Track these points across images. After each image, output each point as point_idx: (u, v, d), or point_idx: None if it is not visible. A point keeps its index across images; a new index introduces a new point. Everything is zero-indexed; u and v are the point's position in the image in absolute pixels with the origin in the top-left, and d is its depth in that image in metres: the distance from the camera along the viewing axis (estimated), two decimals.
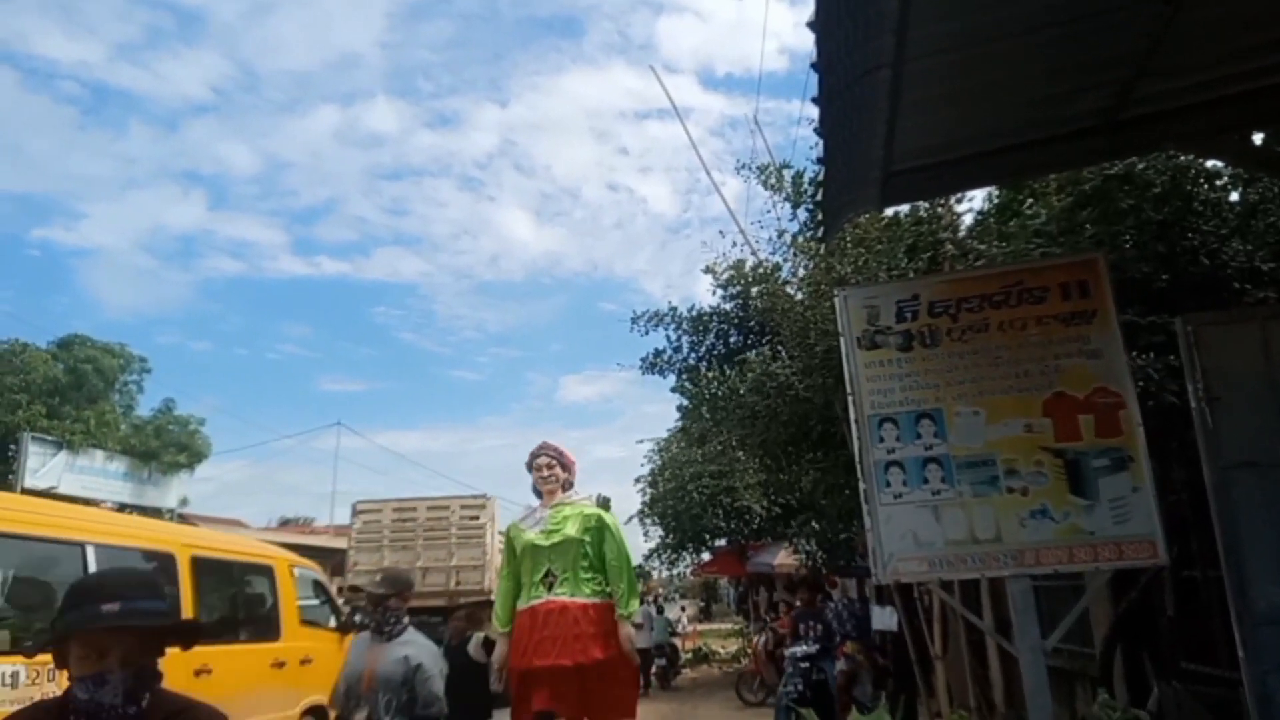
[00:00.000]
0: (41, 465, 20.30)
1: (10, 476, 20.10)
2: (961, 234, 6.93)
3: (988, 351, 4.86)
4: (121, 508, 23.74)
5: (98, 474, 22.13)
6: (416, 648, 4.34)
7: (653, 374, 9.42)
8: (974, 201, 7.11)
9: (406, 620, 4.47)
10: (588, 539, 4.64)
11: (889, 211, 6.90)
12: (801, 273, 7.71)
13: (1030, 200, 6.34)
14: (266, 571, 7.75)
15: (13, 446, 20.44)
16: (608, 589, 4.62)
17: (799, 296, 7.52)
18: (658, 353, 9.33)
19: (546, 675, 4.39)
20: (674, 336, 9.22)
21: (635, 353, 9.25)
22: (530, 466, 4.92)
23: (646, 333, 9.21)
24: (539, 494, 4.88)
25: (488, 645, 5.50)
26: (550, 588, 4.56)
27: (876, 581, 4.89)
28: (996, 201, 6.99)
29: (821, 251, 6.88)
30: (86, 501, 22.71)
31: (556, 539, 4.62)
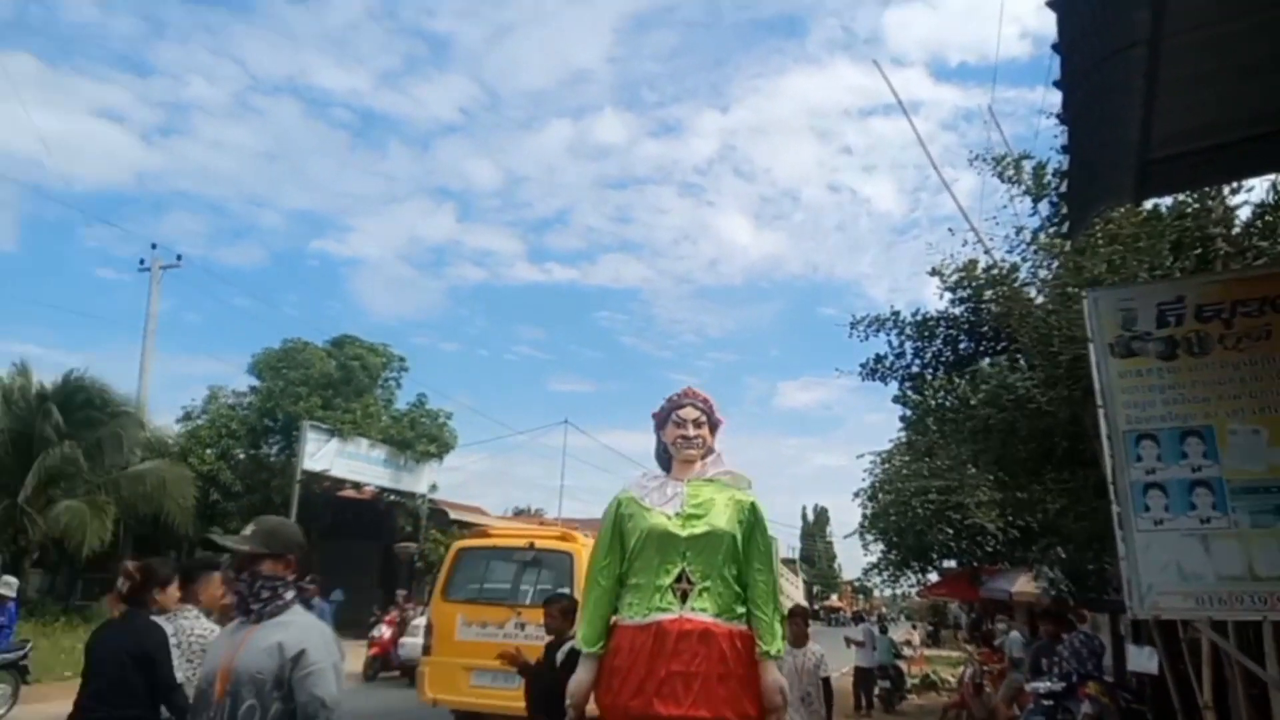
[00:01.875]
0: (318, 450, 22.95)
1: (292, 458, 22.91)
2: (1236, 230, 6.06)
3: (1270, 362, 4.23)
4: (382, 491, 26.40)
5: (362, 459, 24.67)
6: (298, 630, 2.67)
7: (873, 380, 9.00)
8: (1252, 193, 6.20)
9: (291, 595, 2.79)
10: (737, 535, 3.18)
11: (1147, 205, 6.17)
12: (1043, 274, 7.09)
13: None
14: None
15: (294, 432, 23.24)
16: (744, 611, 3.17)
17: (1040, 300, 6.91)
18: (879, 358, 8.89)
19: None
20: (896, 342, 8.74)
21: (855, 360, 8.86)
22: (665, 420, 3.42)
23: (866, 338, 8.80)
24: (665, 461, 3.44)
25: (567, 664, 3.90)
26: (684, 598, 3.07)
27: (1132, 616, 4.39)
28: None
29: (1067, 250, 6.28)
30: (355, 485, 25.46)
31: (699, 528, 3.14)
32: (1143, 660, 7.17)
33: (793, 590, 26.12)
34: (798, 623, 6.30)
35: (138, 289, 25.13)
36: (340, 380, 24.74)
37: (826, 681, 6.20)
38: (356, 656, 15.45)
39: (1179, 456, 4.30)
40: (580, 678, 3.13)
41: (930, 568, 17.84)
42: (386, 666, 15.80)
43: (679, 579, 3.07)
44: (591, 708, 3.15)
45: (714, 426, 3.42)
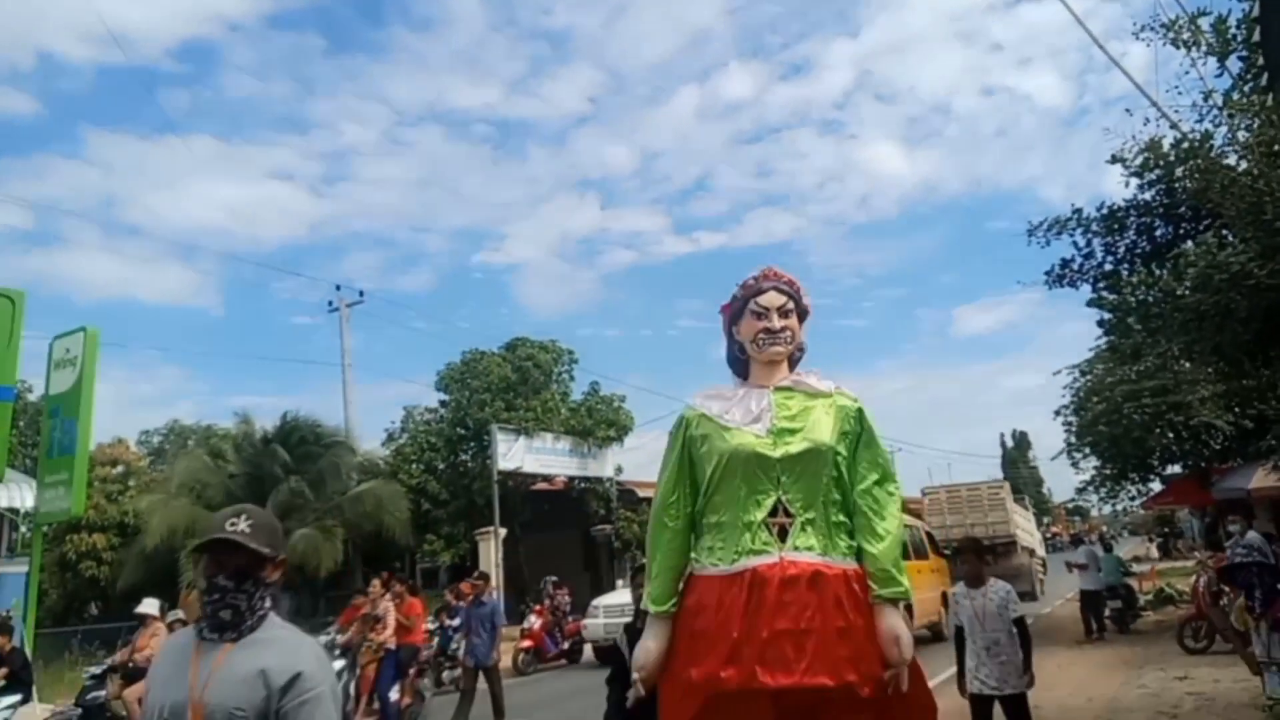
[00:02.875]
0: (508, 450, 24.10)
1: (487, 461, 24.21)
2: None
3: None
4: (571, 480, 27.47)
5: (550, 453, 25.70)
6: (285, 650, 2.04)
7: (1061, 286, 8.38)
8: None
9: (268, 605, 2.12)
10: (842, 451, 2.52)
11: None
12: (1242, 137, 6.38)
13: None
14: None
15: (485, 437, 24.55)
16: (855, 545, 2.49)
17: (1243, 166, 6.24)
18: (1065, 263, 8.24)
19: (791, 708, 2.30)
20: (1083, 241, 8.08)
21: (1038, 270, 8.13)
22: (740, 312, 2.72)
23: (1048, 243, 8.14)
24: (742, 367, 2.77)
25: (630, 634, 3.42)
26: (783, 536, 2.41)
27: None
28: None
29: (1269, 104, 5.63)
30: (546, 478, 26.64)
31: (796, 445, 2.47)
32: None
33: (1025, 524, 24.36)
34: (970, 559, 5.42)
35: (330, 329, 27.36)
36: (518, 382, 25.87)
37: (1020, 623, 5.09)
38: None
39: None
40: (649, 645, 2.46)
41: (1152, 475, 16.59)
42: (540, 659, 15.39)
43: (774, 512, 2.41)
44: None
45: (803, 315, 2.72)
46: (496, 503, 22.73)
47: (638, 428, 28.55)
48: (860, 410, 2.58)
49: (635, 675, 2.45)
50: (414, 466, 25.07)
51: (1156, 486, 18.10)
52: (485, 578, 10.17)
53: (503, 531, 22.88)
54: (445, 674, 12.66)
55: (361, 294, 26.05)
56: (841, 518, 2.47)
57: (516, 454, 24.59)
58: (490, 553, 22.30)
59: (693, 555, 2.54)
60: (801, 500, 2.43)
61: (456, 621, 12.32)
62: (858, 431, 2.55)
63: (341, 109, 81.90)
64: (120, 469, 25.17)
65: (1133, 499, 17.92)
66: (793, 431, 2.48)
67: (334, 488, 20.98)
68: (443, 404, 26.97)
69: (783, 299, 2.66)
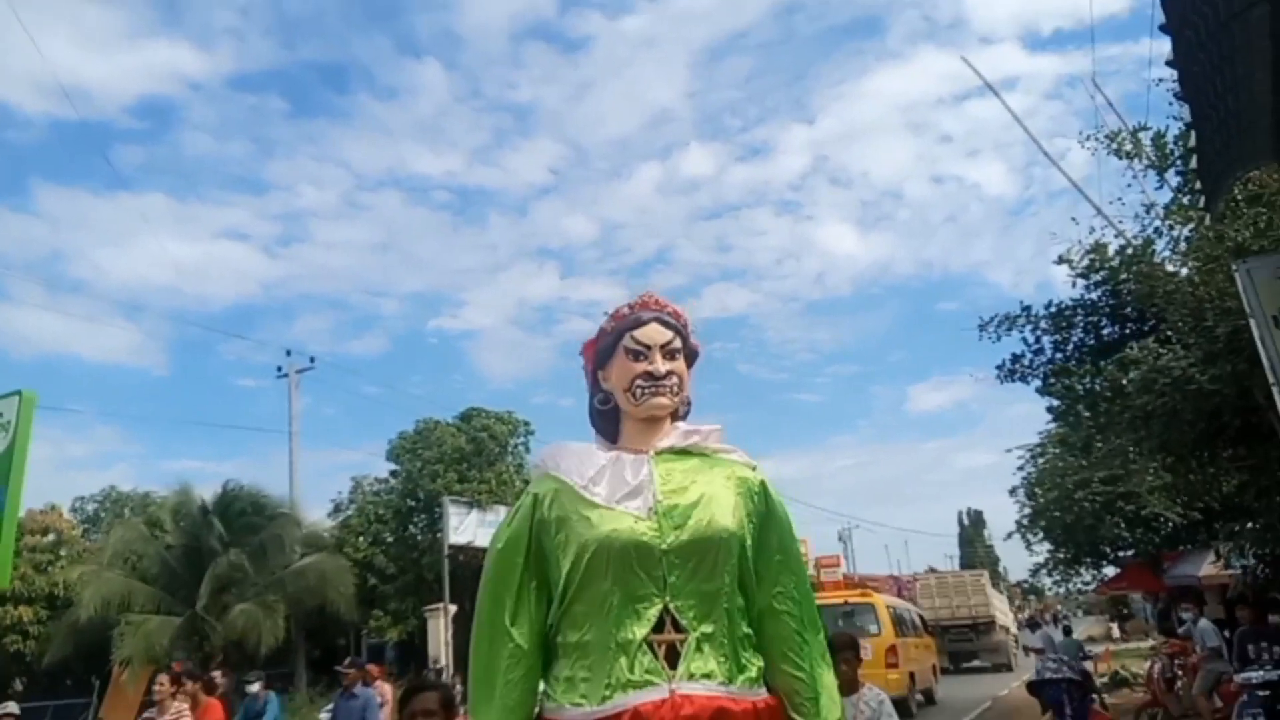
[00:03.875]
0: (460, 523, 23.56)
1: (438, 534, 23.64)
2: None
3: None
4: None
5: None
6: None
7: (1012, 381, 8.54)
8: None
9: None
10: (748, 538, 1.88)
11: None
12: (1181, 246, 6.61)
13: None
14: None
15: (436, 509, 24.03)
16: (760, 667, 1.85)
17: (1184, 273, 6.44)
18: (1016, 358, 8.43)
19: None
20: (1032, 338, 8.29)
21: (986, 352, 8.33)
22: (611, 350, 2.01)
23: (999, 338, 8.33)
24: (606, 421, 2.04)
25: None
26: (674, 660, 1.74)
27: None
28: None
29: (1207, 221, 5.85)
30: None
31: (689, 532, 1.80)
32: None
33: (1001, 605, 27.88)
34: (846, 658, 3.87)
35: (277, 392, 26.66)
36: (472, 453, 25.48)
37: None
38: None
39: None
40: None
41: (1104, 561, 16.74)
42: None
43: (660, 626, 1.72)
44: None
45: (691, 357, 2.04)
46: (447, 578, 22.11)
47: None
48: (764, 484, 1.92)
49: None
50: (361, 539, 24.33)
51: (1110, 570, 18.26)
52: (359, 665, 8.77)
53: (453, 608, 22.19)
54: None
55: (312, 360, 25.59)
56: (745, 629, 1.81)
57: (469, 528, 24.05)
58: (439, 630, 21.57)
59: (543, 690, 1.79)
60: (696, 608, 1.73)
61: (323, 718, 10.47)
62: (762, 512, 1.89)
63: (300, 171, 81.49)
64: (51, 538, 24.08)
65: (1086, 583, 18.07)
66: (683, 512, 1.78)
67: (276, 561, 20.23)
68: (393, 474, 26.38)
69: (668, 334, 1.96)
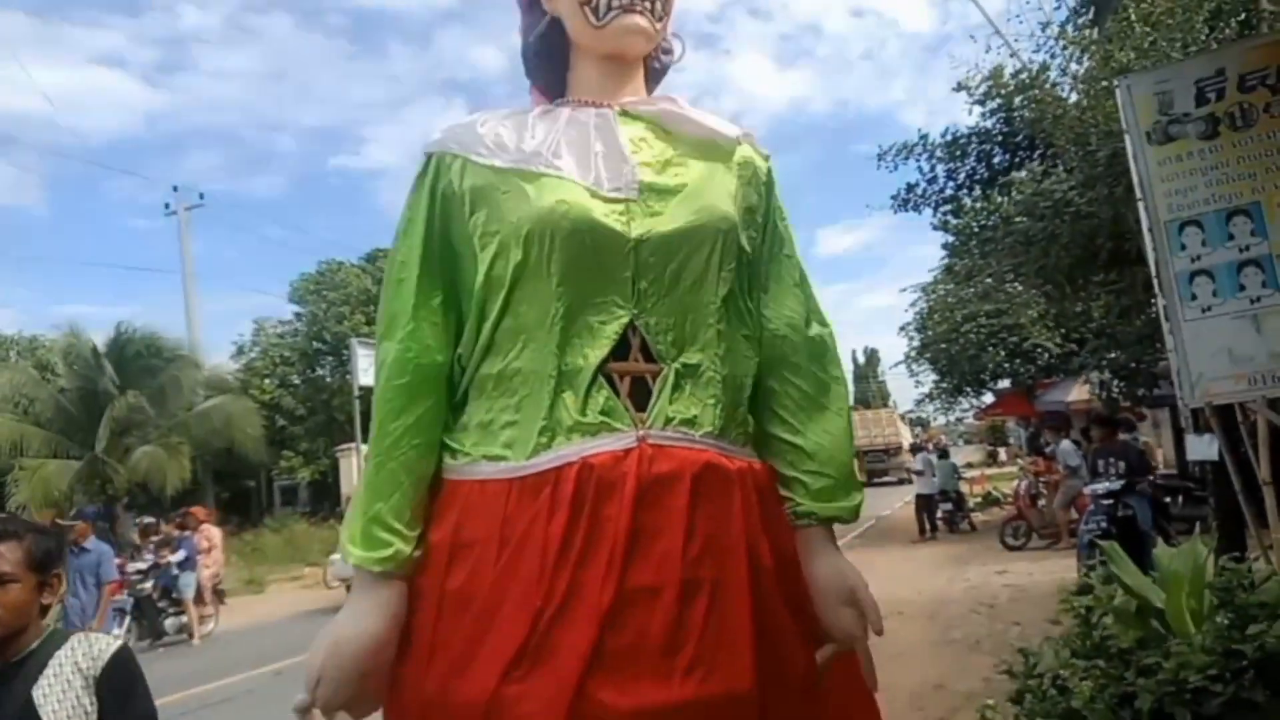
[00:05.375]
0: (369, 365, 23.29)
1: (347, 376, 23.47)
2: None
3: None
4: None
5: None
6: None
7: (905, 210, 8.76)
8: None
9: None
10: (745, 244, 1.27)
11: None
12: (1074, 69, 6.71)
13: None
14: None
15: (344, 351, 23.75)
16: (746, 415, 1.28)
17: (1073, 98, 6.57)
18: (910, 187, 8.60)
19: None
20: (927, 166, 8.44)
21: (891, 191, 8.38)
22: None
23: (896, 167, 8.49)
24: (548, 67, 1.36)
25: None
26: (642, 399, 1.16)
27: (1183, 406, 4.37)
28: None
29: (1092, 40, 5.92)
30: None
31: (675, 218, 1.20)
32: (1203, 448, 7.17)
33: (906, 434, 34.89)
34: None
35: (169, 233, 25.24)
36: (379, 294, 24.93)
37: None
38: None
39: (1225, 239, 4.16)
40: (349, 630, 1.12)
41: (985, 389, 17.89)
42: None
43: (622, 350, 1.18)
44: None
45: None
46: (358, 419, 22.04)
47: None
48: (771, 174, 1.37)
49: (307, 686, 1.11)
50: (267, 382, 24.03)
51: (989, 399, 19.59)
52: (88, 517, 8.12)
53: (365, 448, 22.34)
54: (169, 621, 10.56)
55: (202, 196, 24.29)
56: (744, 370, 1.27)
57: None
58: (352, 470, 21.81)
59: (449, 442, 1.21)
60: (676, 330, 1.19)
61: (179, 556, 10.67)
62: (769, 212, 1.35)
63: None
64: None
65: (965, 411, 19.35)
66: (663, 190, 1.22)
67: (178, 403, 19.84)
68: (297, 316, 25.83)
69: None
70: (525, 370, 1.17)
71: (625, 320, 1.17)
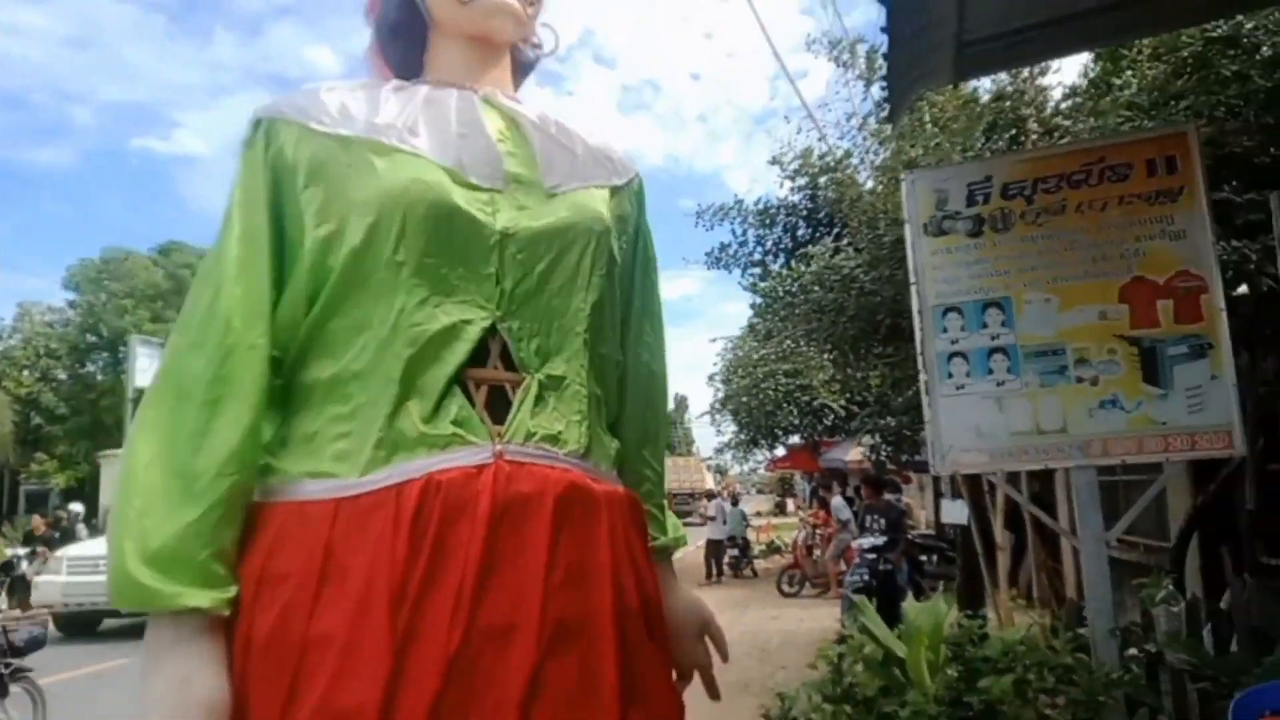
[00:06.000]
0: (150, 365, 21.54)
1: (122, 375, 21.45)
2: (1048, 111, 6.48)
3: (1063, 235, 4.60)
4: None
5: None
6: None
7: (718, 268, 9.31)
8: (1062, 73, 6.64)
9: None
10: (615, 252, 1.19)
11: (968, 87, 6.48)
12: (871, 159, 7.39)
13: (1126, 71, 5.86)
14: None
15: (121, 349, 21.73)
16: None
17: (869, 185, 7.21)
18: (723, 247, 9.18)
19: None
20: (740, 230, 9.03)
21: (708, 247, 9.18)
22: None
23: (712, 227, 9.06)
24: (404, 49, 1.24)
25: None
26: (501, 415, 1.03)
27: (934, 473, 4.83)
28: (1090, 76, 6.49)
29: (889, 134, 6.56)
30: None
31: (550, 213, 1.11)
32: (955, 512, 8.00)
33: (710, 480, 37.29)
34: None
35: None
36: (171, 290, 23.13)
37: None
38: None
39: (980, 326, 4.66)
40: (200, 696, 0.87)
41: (776, 444, 19.01)
42: None
43: (482, 356, 1.04)
44: None
45: None
46: (130, 422, 20.25)
47: None
48: (642, 187, 1.31)
49: None
50: (26, 374, 21.51)
51: (781, 452, 20.82)
52: None
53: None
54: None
55: None
56: (603, 388, 1.17)
57: None
58: (116, 480, 19.86)
59: (268, 461, 1.02)
60: (542, 337, 1.08)
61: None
62: (636, 225, 1.28)
63: None
64: None
65: (759, 462, 20.46)
66: (530, 183, 1.12)
67: None
68: (71, 305, 23.37)
69: None
70: (364, 373, 1.00)
71: (486, 323, 1.04)
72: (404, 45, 1.24)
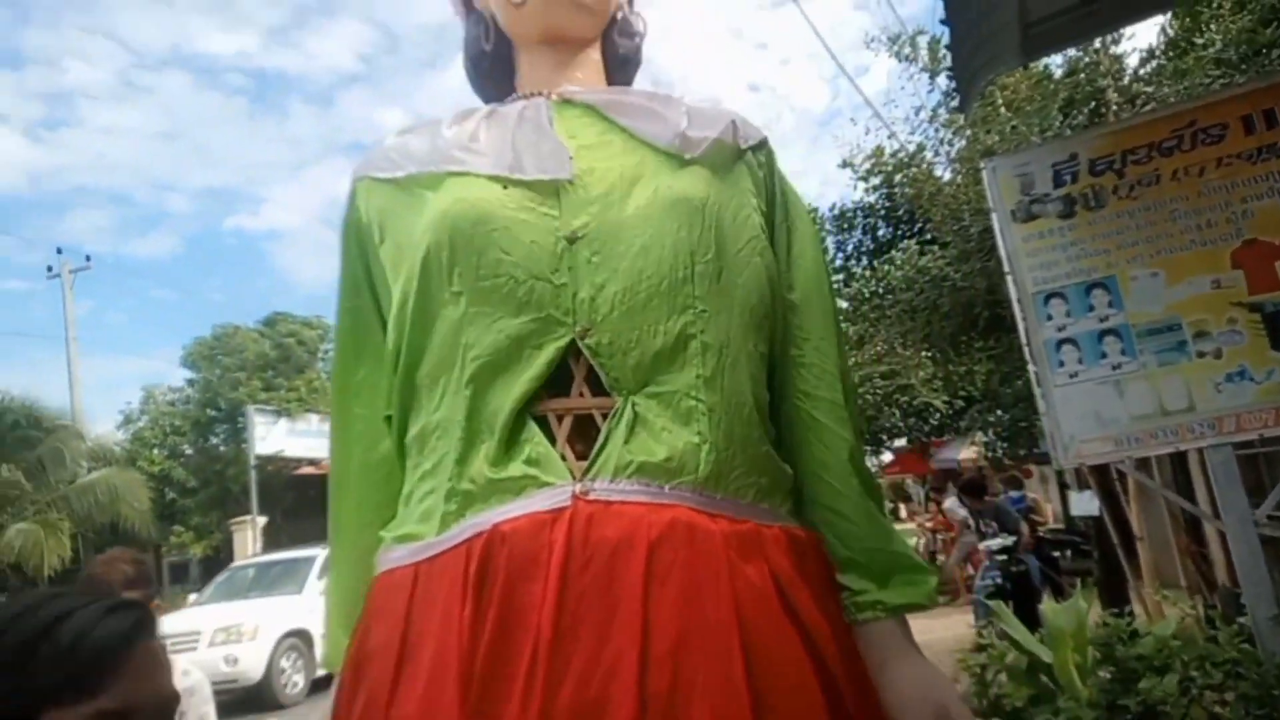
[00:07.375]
0: (267, 433, 22.61)
1: (243, 445, 22.58)
2: (1127, 79, 6.20)
3: (1162, 206, 4.39)
4: None
5: (316, 435, 24.32)
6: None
7: None
8: (1136, 38, 6.36)
9: None
10: (759, 216, 1.00)
11: (1040, 65, 6.27)
12: (946, 150, 7.20)
13: (1209, 27, 5.56)
14: None
15: (240, 419, 22.88)
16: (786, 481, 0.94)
17: (948, 177, 7.03)
18: None
19: None
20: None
21: None
22: None
23: None
24: (492, 70, 1.16)
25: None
26: (588, 447, 0.86)
27: (1056, 467, 4.63)
28: (1169, 35, 6.19)
29: (963, 123, 6.39)
30: (312, 461, 25.27)
31: (623, 207, 0.92)
32: (1084, 504, 7.62)
33: None
34: None
35: (51, 296, 24.14)
36: (278, 359, 24.31)
37: None
38: None
39: (1087, 309, 4.48)
40: None
41: (882, 449, 18.53)
42: None
43: (563, 380, 0.89)
44: None
45: None
46: (254, 489, 21.26)
47: None
48: (772, 157, 1.10)
49: None
50: (156, 452, 22.90)
51: (887, 457, 20.28)
52: None
53: (262, 520, 21.44)
54: None
55: (89, 258, 23.41)
56: (742, 395, 0.92)
57: (277, 437, 23.11)
58: (247, 543, 20.85)
59: (382, 534, 0.97)
60: (639, 348, 0.88)
61: None
62: (773, 196, 1.07)
63: (65, 44, 71.72)
64: None
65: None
66: (610, 174, 0.96)
67: (58, 476, 18.70)
68: (190, 383, 24.84)
69: None
70: (443, 422, 0.90)
71: (564, 342, 0.88)
72: (498, 73, 1.16)
